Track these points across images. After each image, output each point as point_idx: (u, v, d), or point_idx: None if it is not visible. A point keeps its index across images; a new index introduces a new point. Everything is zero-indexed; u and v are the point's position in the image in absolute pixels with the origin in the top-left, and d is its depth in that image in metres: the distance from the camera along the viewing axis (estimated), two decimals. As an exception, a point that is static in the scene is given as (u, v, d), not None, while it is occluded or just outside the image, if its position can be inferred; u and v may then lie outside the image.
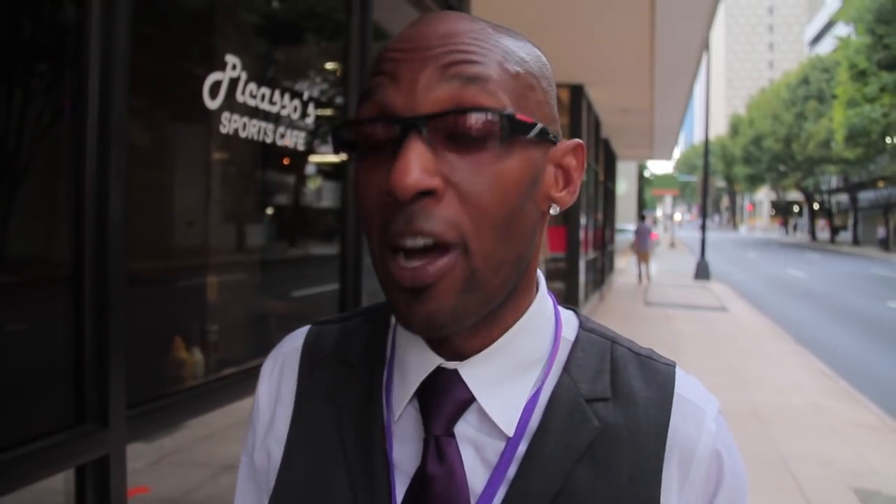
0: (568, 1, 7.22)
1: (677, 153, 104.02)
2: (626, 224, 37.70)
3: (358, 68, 3.31)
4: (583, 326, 0.87)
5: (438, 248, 0.70)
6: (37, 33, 1.89)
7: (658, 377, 0.83)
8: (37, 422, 1.80)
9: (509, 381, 0.80)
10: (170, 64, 2.42)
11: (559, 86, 12.09)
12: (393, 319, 0.89)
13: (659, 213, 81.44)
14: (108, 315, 1.85)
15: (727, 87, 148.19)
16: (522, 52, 0.78)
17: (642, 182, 42.37)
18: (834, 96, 40.49)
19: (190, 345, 2.46)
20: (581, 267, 12.93)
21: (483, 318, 0.76)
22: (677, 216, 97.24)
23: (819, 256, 39.87)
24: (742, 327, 13.97)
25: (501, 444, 0.78)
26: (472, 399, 0.78)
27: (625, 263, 27.27)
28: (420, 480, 0.77)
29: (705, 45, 10.05)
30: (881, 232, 36.82)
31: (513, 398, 0.79)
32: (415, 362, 0.81)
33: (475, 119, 0.71)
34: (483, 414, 0.79)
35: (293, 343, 0.93)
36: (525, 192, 0.75)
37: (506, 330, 0.80)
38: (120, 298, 1.88)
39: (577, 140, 0.83)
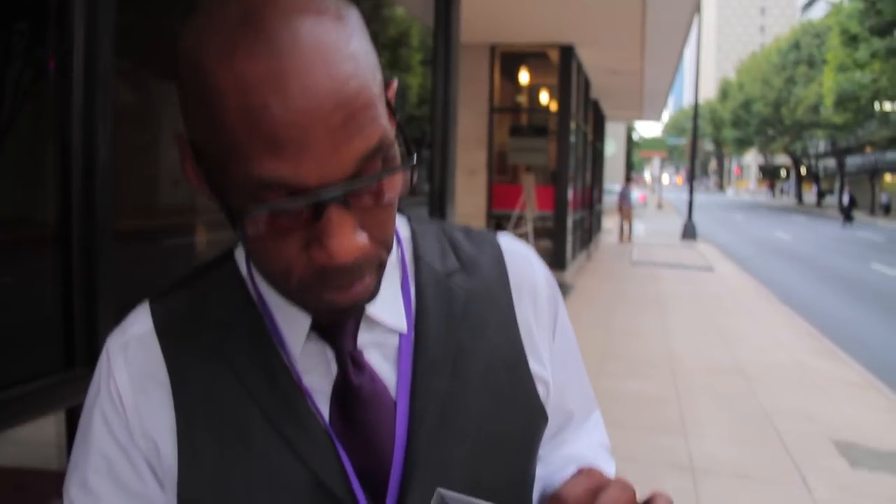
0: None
1: (666, 116, 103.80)
2: (613, 185, 37.72)
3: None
4: (411, 220, 0.99)
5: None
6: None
7: (485, 242, 1.00)
8: (27, 366, 1.84)
9: (382, 287, 0.87)
10: (156, 21, 2.42)
11: (549, 46, 12.09)
12: (243, 270, 0.91)
13: (647, 175, 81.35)
14: (97, 260, 1.86)
15: (717, 51, 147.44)
16: (358, 30, 0.73)
17: (630, 144, 42.32)
18: (824, 61, 40.35)
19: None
20: (568, 226, 12.97)
21: None
22: (665, 178, 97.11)
23: (805, 219, 40.06)
24: (728, 287, 14.07)
25: (396, 339, 0.89)
26: (361, 312, 0.87)
27: (612, 224, 27.32)
28: (344, 392, 0.85)
29: (697, 8, 10.02)
30: (845, 198, 36.59)
31: (390, 299, 0.89)
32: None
33: (390, 182, 0.74)
34: (372, 322, 0.88)
35: (140, 326, 0.89)
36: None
37: None
38: (109, 242, 1.88)
39: (394, 79, 0.83)
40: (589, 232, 18.15)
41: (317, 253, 0.71)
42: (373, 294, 0.79)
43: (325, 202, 0.69)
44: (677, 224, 29.56)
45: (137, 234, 2.41)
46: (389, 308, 0.88)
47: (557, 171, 12.56)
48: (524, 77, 13.43)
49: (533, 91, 13.86)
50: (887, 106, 36.11)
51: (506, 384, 0.91)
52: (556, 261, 12.35)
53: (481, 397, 0.89)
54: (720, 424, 6.07)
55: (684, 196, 41.90)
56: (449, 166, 4.91)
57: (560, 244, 12.45)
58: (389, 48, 5.06)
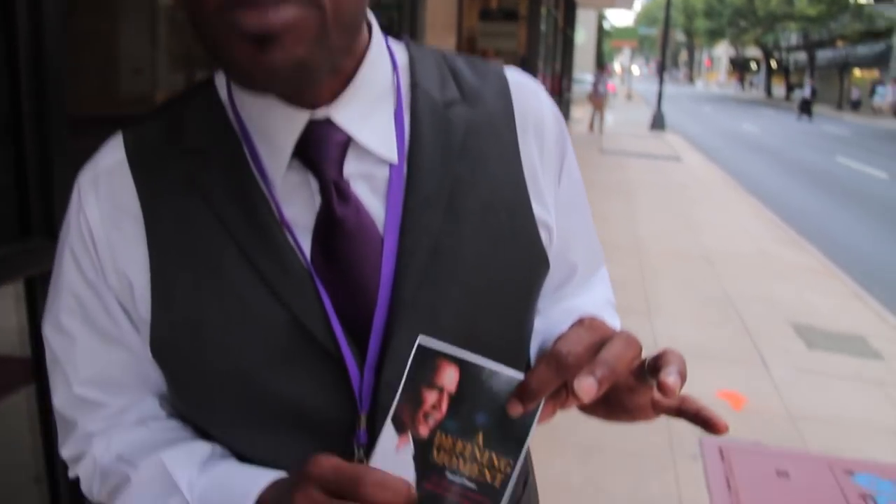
0: None
1: (638, 5, 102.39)
2: (584, 74, 37.33)
3: None
4: (409, 46, 0.91)
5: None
6: None
7: (490, 73, 0.92)
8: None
9: (372, 113, 0.82)
10: None
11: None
12: (223, 95, 0.84)
13: (617, 65, 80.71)
14: (49, 126, 1.79)
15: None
16: None
17: (601, 33, 41.80)
18: (801, -51, 39.80)
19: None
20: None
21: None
22: (635, 69, 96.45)
23: (773, 112, 40.09)
24: (695, 176, 14.13)
25: (386, 171, 0.82)
26: (347, 140, 0.80)
27: (582, 113, 27.14)
28: (327, 226, 0.80)
29: None
30: (806, 91, 35.95)
31: (382, 126, 0.82)
32: (280, 124, 0.79)
33: None
34: (361, 150, 0.81)
35: (112, 156, 0.84)
36: None
37: (355, 70, 0.81)
38: (63, 128, 1.82)
39: None
40: (558, 121, 18.02)
41: None
42: (289, 54, 0.68)
43: None
44: (646, 114, 29.45)
45: (98, 121, 2.34)
46: (380, 136, 0.82)
47: (527, 58, 12.38)
48: (496, -41, 13.09)
49: (504, -26, 13.53)
50: (861, -2, 35.83)
51: (505, 225, 0.85)
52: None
53: (478, 238, 0.83)
54: (683, 307, 6.17)
55: (654, 87, 41.67)
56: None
57: (529, 131, 12.35)
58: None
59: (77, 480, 0.90)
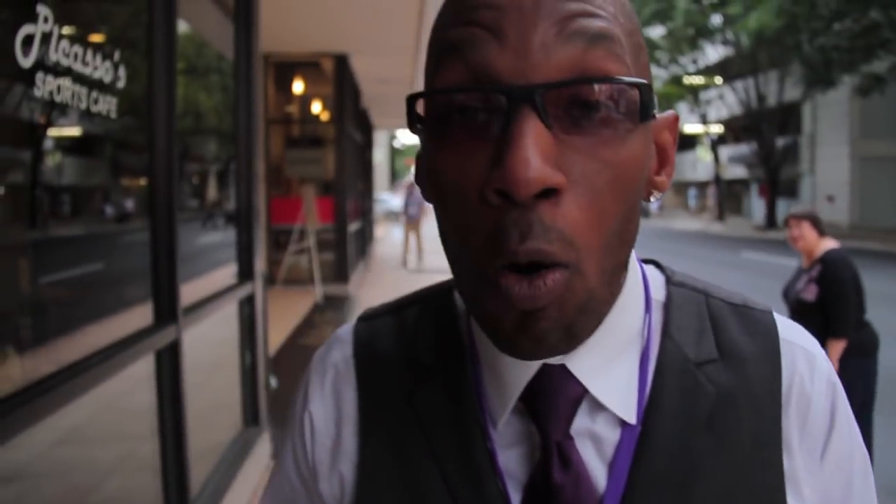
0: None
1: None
2: (381, 193, 37.96)
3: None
4: (670, 281, 0.77)
5: (547, 264, 0.57)
6: None
7: (759, 327, 0.74)
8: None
9: (615, 363, 0.69)
10: None
11: (324, 56, 11.90)
12: (458, 305, 0.79)
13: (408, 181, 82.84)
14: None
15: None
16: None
17: (393, 152, 42.91)
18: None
19: None
20: (349, 237, 12.87)
21: None
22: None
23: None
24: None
25: (617, 434, 0.68)
26: (583, 392, 0.67)
27: (383, 232, 27.41)
28: (544, 489, 0.67)
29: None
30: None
31: (623, 381, 0.69)
32: (511, 362, 0.68)
33: (612, 91, 0.57)
34: (597, 405, 0.68)
35: (342, 350, 0.82)
36: (641, 183, 0.62)
37: (606, 313, 0.64)
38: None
39: (674, 112, 0.71)
40: (364, 242, 18.10)
41: (495, 175, 0.56)
42: (553, 325, 0.58)
43: (518, 102, 0.56)
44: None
45: None
46: (620, 390, 0.68)
47: (336, 182, 12.42)
48: (298, 87, 13.16)
49: (305, 101, 13.63)
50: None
51: None
52: (339, 274, 12.24)
53: None
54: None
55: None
56: (254, 181, 4.64)
57: (342, 257, 12.34)
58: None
59: None
